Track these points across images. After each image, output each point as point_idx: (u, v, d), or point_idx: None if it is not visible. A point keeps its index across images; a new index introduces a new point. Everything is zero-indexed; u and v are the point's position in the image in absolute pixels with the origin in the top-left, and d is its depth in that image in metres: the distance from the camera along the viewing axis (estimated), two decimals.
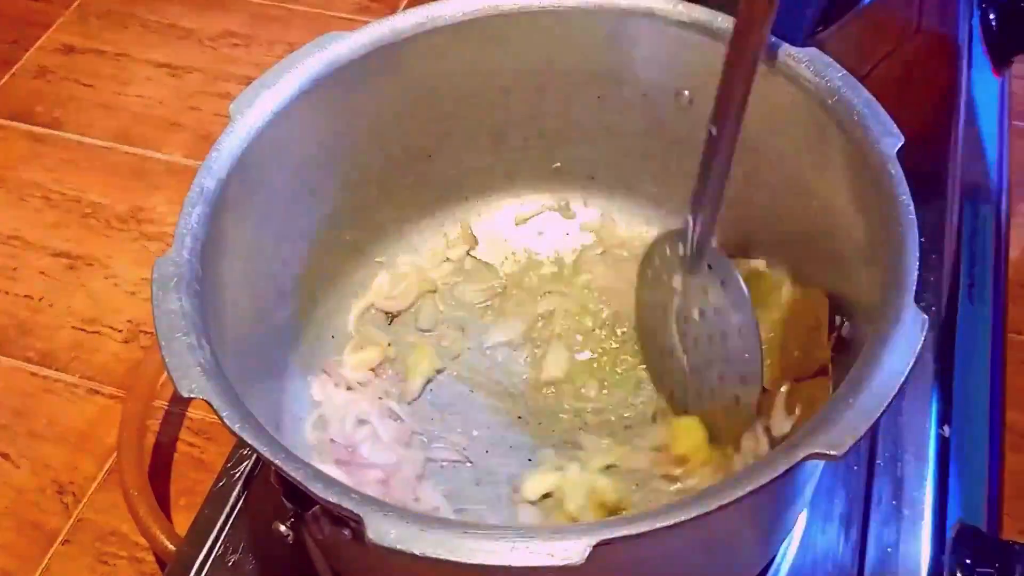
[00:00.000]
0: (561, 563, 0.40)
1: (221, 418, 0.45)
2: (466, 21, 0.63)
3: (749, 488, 0.41)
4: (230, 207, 0.55)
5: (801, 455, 0.41)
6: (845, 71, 0.56)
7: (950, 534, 0.61)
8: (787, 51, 0.57)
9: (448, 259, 0.73)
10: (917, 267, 0.47)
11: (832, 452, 0.41)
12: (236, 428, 0.45)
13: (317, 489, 0.43)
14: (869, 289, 0.51)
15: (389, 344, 0.70)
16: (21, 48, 1.35)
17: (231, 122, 0.57)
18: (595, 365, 0.68)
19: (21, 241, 1.12)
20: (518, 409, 0.67)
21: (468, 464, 0.64)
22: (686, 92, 0.64)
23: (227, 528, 0.64)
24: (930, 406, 0.66)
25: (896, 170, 0.51)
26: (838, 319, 0.57)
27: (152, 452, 0.92)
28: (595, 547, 0.40)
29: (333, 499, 0.42)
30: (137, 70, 1.31)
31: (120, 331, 1.03)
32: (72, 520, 0.89)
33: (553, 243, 0.74)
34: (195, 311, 0.49)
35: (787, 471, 0.41)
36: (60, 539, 0.88)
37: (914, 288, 0.46)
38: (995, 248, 0.83)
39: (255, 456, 0.66)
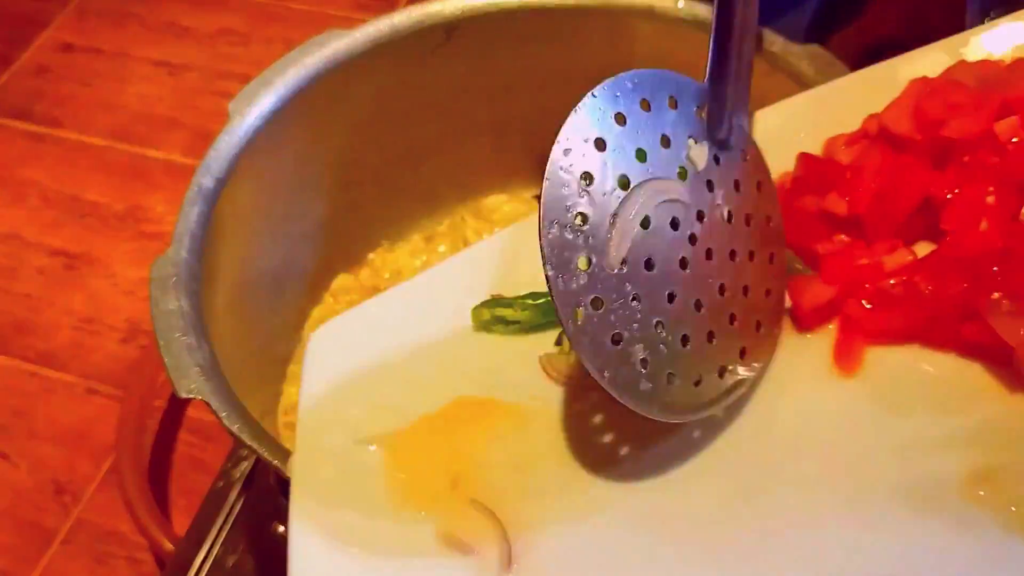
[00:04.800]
0: None
1: (220, 419, 0.45)
2: (466, 19, 0.63)
3: None
4: (229, 206, 0.55)
5: None
6: (847, 69, 0.56)
7: None
8: (789, 48, 0.57)
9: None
10: None
11: None
12: (235, 429, 0.45)
13: None
14: None
15: None
16: (19, 47, 1.34)
17: (230, 121, 0.57)
18: None
19: (19, 240, 1.11)
20: None
21: None
22: None
23: (226, 528, 0.64)
24: None
25: None
26: None
27: (151, 452, 0.92)
28: None
29: None
30: (135, 68, 1.31)
31: (118, 330, 1.02)
32: (71, 520, 0.89)
33: None
34: (194, 311, 0.49)
35: None
36: (59, 539, 0.88)
37: None
38: None
39: (254, 457, 0.66)
